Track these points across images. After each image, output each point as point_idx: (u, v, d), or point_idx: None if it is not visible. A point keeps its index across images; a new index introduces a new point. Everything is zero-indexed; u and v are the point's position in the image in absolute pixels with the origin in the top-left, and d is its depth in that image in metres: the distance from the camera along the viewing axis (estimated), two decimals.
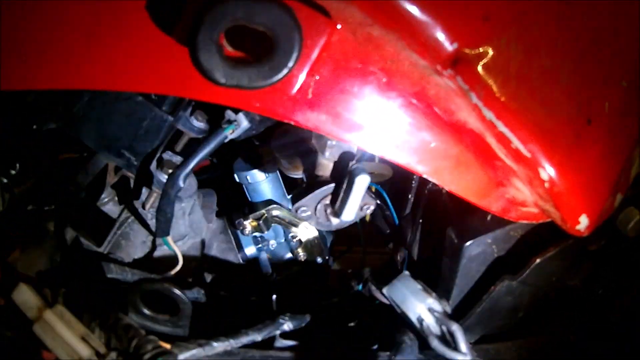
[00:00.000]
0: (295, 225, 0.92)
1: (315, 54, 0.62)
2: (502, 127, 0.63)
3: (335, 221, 0.78)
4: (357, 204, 0.73)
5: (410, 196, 0.90)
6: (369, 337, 0.81)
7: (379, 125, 0.67)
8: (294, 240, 0.95)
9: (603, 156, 0.68)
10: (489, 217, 0.80)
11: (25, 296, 0.69)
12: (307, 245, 0.95)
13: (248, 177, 0.93)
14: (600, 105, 0.67)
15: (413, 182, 0.90)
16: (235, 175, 0.94)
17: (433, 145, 0.69)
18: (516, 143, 0.63)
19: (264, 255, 0.97)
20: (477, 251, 0.79)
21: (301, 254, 0.96)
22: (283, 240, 0.98)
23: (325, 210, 0.78)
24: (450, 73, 0.63)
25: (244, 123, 0.78)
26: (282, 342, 0.76)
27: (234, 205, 0.98)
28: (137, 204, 0.87)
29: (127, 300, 0.72)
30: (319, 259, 0.96)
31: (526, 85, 0.65)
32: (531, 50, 0.66)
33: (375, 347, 0.79)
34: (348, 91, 0.66)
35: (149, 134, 0.80)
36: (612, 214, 0.77)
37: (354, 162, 0.74)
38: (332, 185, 0.76)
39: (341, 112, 0.67)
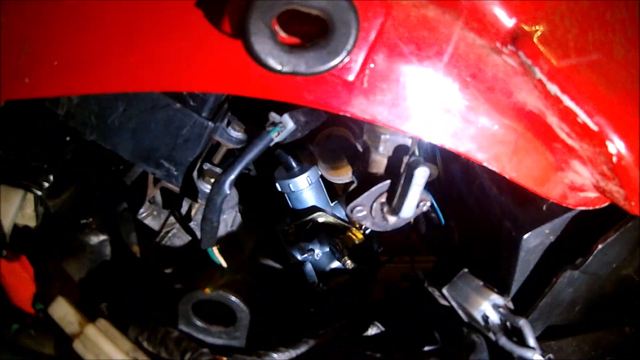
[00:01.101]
0: (343, 232, 0.89)
1: (372, 38, 0.61)
2: (567, 101, 0.61)
3: (392, 220, 0.75)
4: (417, 198, 0.70)
5: (454, 194, 0.88)
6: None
7: (436, 113, 0.65)
8: (340, 246, 0.91)
9: None
10: (544, 207, 0.77)
11: (64, 311, 0.65)
12: (355, 251, 0.92)
13: (290, 186, 0.90)
14: None
15: (458, 179, 0.88)
16: (277, 185, 0.91)
17: (492, 131, 0.66)
18: (583, 117, 0.61)
19: (309, 266, 0.93)
20: (536, 243, 0.76)
21: (348, 261, 0.92)
22: (327, 249, 0.95)
23: (382, 209, 0.75)
24: (512, 49, 0.61)
25: (289, 125, 0.76)
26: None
27: (272, 217, 0.95)
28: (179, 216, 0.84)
29: (176, 312, 0.68)
30: (366, 266, 0.93)
31: (585, 59, 0.63)
32: (584, 24, 0.64)
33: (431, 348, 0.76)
34: (404, 78, 0.63)
35: (189, 142, 0.78)
36: None
37: (409, 155, 0.72)
38: (388, 182, 0.73)
39: (397, 100, 0.64)
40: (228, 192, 0.74)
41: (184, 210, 0.85)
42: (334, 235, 0.90)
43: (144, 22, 0.65)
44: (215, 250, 0.78)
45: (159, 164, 0.79)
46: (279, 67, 0.57)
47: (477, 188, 0.85)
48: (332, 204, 0.94)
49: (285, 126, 0.75)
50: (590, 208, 0.73)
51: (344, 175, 0.89)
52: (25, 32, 0.67)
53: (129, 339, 0.64)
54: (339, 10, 0.56)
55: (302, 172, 0.90)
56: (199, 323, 0.68)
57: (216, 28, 0.63)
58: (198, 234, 0.88)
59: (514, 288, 0.77)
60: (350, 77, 0.61)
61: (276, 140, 0.76)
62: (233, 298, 0.66)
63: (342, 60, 0.57)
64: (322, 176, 0.93)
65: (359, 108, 0.64)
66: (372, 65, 0.62)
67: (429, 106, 0.64)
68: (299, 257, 0.93)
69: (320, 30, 0.57)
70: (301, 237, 0.90)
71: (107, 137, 0.78)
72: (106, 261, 0.82)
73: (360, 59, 0.61)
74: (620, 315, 0.85)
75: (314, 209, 0.91)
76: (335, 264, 0.96)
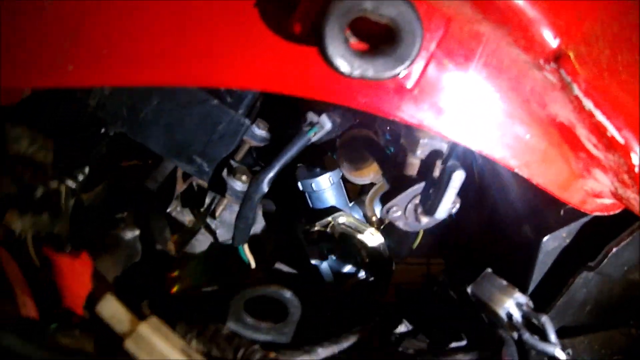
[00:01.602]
0: (362, 232, 0.94)
1: (432, 48, 0.66)
2: (600, 116, 0.69)
3: (424, 221, 0.81)
4: (452, 200, 0.76)
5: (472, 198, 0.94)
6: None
7: (477, 120, 0.71)
8: (359, 247, 0.96)
9: None
10: (562, 212, 0.86)
11: (114, 309, 0.65)
12: (373, 252, 0.97)
13: (313, 185, 0.94)
14: None
15: (477, 184, 0.94)
16: (299, 184, 0.95)
17: (525, 139, 0.73)
18: (612, 131, 0.69)
19: (326, 265, 0.98)
20: (554, 246, 0.84)
21: (366, 261, 0.97)
22: (345, 252, 0.99)
23: (415, 210, 0.80)
24: (554, 67, 0.68)
25: (327, 125, 0.80)
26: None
27: (293, 216, 0.99)
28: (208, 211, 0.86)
29: (228, 309, 0.70)
30: (384, 267, 0.98)
31: (616, 78, 0.71)
32: (615, 46, 0.73)
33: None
34: (450, 87, 0.70)
35: (224, 138, 0.80)
36: None
37: (444, 159, 0.77)
38: (423, 184, 0.79)
39: (443, 107, 0.70)
40: (266, 189, 0.78)
41: (210, 207, 0.87)
42: (353, 235, 0.95)
43: (209, 17, 0.67)
44: (246, 248, 0.81)
45: (191, 159, 0.81)
46: (348, 71, 0.61)
47: (496, 192, 0.92)
48: (350, 205, 0.99)
49: (323, 126, 0.79)
50: (605, 214, 0.82)
51: (366, 177, 0.93)
52: (76, 19, 0.67)
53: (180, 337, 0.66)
54: (407, 20, 0.61)
55: (324, 171, 0.94)
56: (249, 320, 0.70)
57: (279, 29, 0.66)
58: (220, 233, 0.90)
59: (531, 289, 0.85)
60: (409, 85, 0.66)
61: (313, 140, 0.79)
62: (288, 294, 0.69)
63: (405, 67, 0.62)
64: (342, 177, 0.97)
65: (407, 113, 0.70)
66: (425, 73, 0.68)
67: (471, 114, 0.71)
68: (319, 258, 0.96)
69: (385, 38, 0.62)
70: (323, 238, 0.94)
71: (138, 131, 0.80)
72: (143, 256, 0.83)
73: (419, 67, 0.66)
74: (627, 318, 0.93)
75: (334, 209, 0.95)
76: (351, 265, 1.01)
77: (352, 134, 0.91)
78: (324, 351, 0.71)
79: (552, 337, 0.77)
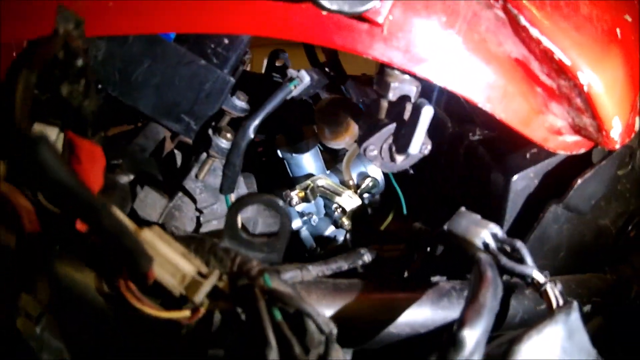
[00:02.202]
0: (340, 195, 1.02)
1: None
2: (546, 42, 0.81)
3: (399, 159, 0.90)
4: (423, 135, 0.86)
5: (444, 158, 1.04)
6: None
7: (441, 59, 0.83)
8: (338, 210, 1.03)
9: (624, 73, 0.87)
10: (527, 155, 0.96)
11: (120, 217, 0.70)
12: (351, 214, 1.04)
13: (292, 152, 1.02)
14: (614, 32, 0.87)
15: (447, 146, 1.05)
16: (279, 151, 1.03)
17: (485, 76, 0.85)
18: (559, 54, 0.81)
19: (306, 232, 1.04)
20: (523, 185, 0.94)
21: (345, 223, 1.04)
22: (324, 216, 1.06)
23: (390, 150, 0.89)
24: (502, 3, 0.81)
25: (305, 79, 0.90)
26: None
27: (272, 185, 1.06)
28: (191, 175, 0.93)
29: (225, 224, 0.75)
30: (363, 228, 1.05)
31: (558, 11, 0.84)
32: None
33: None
34: (415, 29, 0.82)
35: (211, 96, 0.90)
36: (634, 146, 0.96)
37: (414, 102, 0.88)
38: (395, 124, 0.88)
39: (410, 47, 0.82)
40: (252, 136, 0.86)
41: (196, 167, 0.95)
42: (332, 198, 1.03)
43: None
44: (232, 197, 0.88)
45: (179, 118, 0.90)
46: (328, 5, 0.72)
47: (465, 149, 1.03)
48: (327, 172, 1.08)
49: (302, 80, 0.89)
50: (569, 153, 0.93)
51: (342, 141, 1.03)
52: None
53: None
54: None
55: (302, 138, 1.03)
56: (243, 235, 0.76)
57: None
58: (204, 197, 0.97)
59: (505, 229, 0.93)
60: (380, 19, 0.77)
61: (293, 93, 0.89)
62: (280, 202, 0.75)
63: (377, 4, 0.73)
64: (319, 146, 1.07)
65: (379, 52, 0.81)
66: (390, 17, 0.79)
67: (436, 53, 0.83)
68: (299, 222, 1.04)
69: None
70: (304, 199, 1.02)
71: (129, 94, 0.89)
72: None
73: (387, 7, 0.78)
74: (600, 265, 1.02)
75: (312, 175, 1.04)
76: (332, 230, 1.08)
77: (327, 98, 1.01)
78: (314, 269, 0.77)
79: (529, 260, 0.84)
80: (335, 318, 0.79)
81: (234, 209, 0.75)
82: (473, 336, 0.64)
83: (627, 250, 1.08)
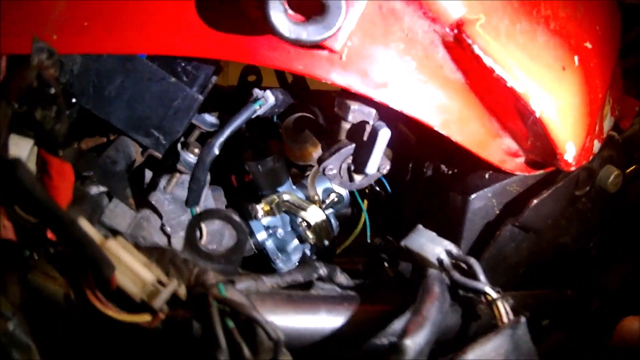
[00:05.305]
0: (304, 210, 1.18)
1: (355, 21, 0.93)
2: (499, 70, 0.95)
3: (357, 179, 1.06)
4: (380, 156, 1.02)
5: (408, 176, 1.21)
6: None
7: (398, 85, 0.99)
8: (303, 225, 1.20)
9: (579, 99, 1.02)
10: (486, 175, 1.12)
11: (86, 227, 0.85)
12: (316, 229, 1.21)
13: (259, 167, 1.18)
14: (571, 59, 1.02)
15: (410, 162, 1.21)
16: (246, 166, 1.20)
17: (441, 101, 1.01)
18: (511, 82, 0.96)
19: (271, 244, 1.21)
20: (480, 204, 1.10)
21: (310, 237, 1.20)
22: (289, 230, 1.23)
23: (349, 169, 1.05)
24: (457, 32, 0.96)
25: (270, 100, 1.07)
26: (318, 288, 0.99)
27: (240, 199, 1.23)
28: (159, 187, 1.09)
29: (185, 237, 0.91)
30: (327, 242, 1.21)
31: (513, 41, 0.99)
32: (513, 17, 1.01)
33: None
34: (374, 56, 0.97)
35: (180, 112, 1.06)
36: (594, 167, 1.12)
37: (373, 122, 1.04)
38: (354, 145, 1.04)
39: (369, 73, 0.98)
40: (217, 153, 1.02)
41: (163, 180, 1.11)
42: (297, 212, 1.19)
43: None
44: (197, 210, 1.04)
45: (149, 133, 1.06)
46: (287, 35, 0.87)
47: (427, 170, 1.18)
48: (294, 187, 1.24)
49: (267, 100, 1.05)
50: (526, 174, 1.08)
51: (308, 158, 1.19)
52: None
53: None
54: None
55: (269, 154, 1.20)
56: (202, 248, 0.92)
57: (230, 5, 0.93)
58: (172, 209, 1.13)
59: (463, 247, 1.09)
60: (338, 47, 0.93)
61: (258, 113, 1.05)
62: (238, 217, 0.90)
63: (333, 33, 0.89)
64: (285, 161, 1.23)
65: (337, 77, 0.98)
66: (349, 43, 0.95)
67: (393, 79, 0.99)
68: (265, 234, 1.20)
69: (316, 11, 0.89)
70: (269, 212, 1.18)
71: (102, 107, 1.05)
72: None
73: (344, 35, 0.93)
74: (561, 281, 1.17)
75: (279, 190, 1.20)
76: (296, 243, 1.24)
77: (293, 117, 1.17)
78: (269, 280, 0.93)
79: (481, 276, 0.98)
80: (288, 327, 0.94)
81: (194, 223, 0.91)
82: (414, 346, 0.78)
83: (588, 267, 1.23)
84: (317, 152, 1.19)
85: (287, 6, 0.89)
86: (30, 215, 0.77)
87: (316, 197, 1.25)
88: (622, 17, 1.28)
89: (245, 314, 0.82)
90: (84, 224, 0.85)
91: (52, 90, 0.76)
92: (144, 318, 0.84)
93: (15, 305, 0.87)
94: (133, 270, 0.84)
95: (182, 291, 0.86)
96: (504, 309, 0.93)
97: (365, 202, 1.31)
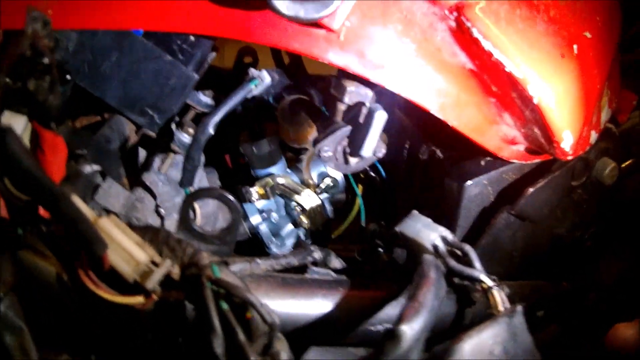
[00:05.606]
0: (299, 193, 1.18)
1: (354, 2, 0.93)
2: (497, 54, 0.96)
3: (353, 161, 1.06)
4: (376, 139, 1.02)
5: (404, 161, 1.21)
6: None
7: (396, 67, 0.99)
8: (297, 209, 1.20)
9: (577, 88, 1.03)
10: (482, 162, 1.12)
11: (79, 204, 0.85)
12: (311, 213, 1.21)
13: (254, 149, 1.18)
14: (570, 47, 1.03)
15: (405, 147, 1.21)
16: (241, 148, 1.20)
17: (438, 84, 1.01)
18: (509, 66, 0.97)
19: (265, 228, 1.21)
20: (476, 192, 1.10)
21: (304, 221, 1.21)
22: (284, 214, 1.23)
23: (344, 152, 1.05)
24: (456, 15, 0.96)
25: (266, 79, 1.07)
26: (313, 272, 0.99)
27: (235, 182, 1.23)
28: (153, 168, 1.09)
29: (179, 217, 0.91)
30: (321, 227, 1.21)
31: (512, 26, 0.99)
32: (513, 3, 1.01)
33: None
34: (372, 37, 0.98)
35: (175, 91, 1.06)
36: (590, 159, 1.13)
37: (369, 104, 1.04)
38: (350, 127, 1.05)
39: (366, 54, 0.98)
40: (212, 132, 1.02)
41: (158, 160, 1.11)
42: (291, 196, 1.19)
43: None
44: (191, 191, 1.04)
45: (143, 111, 1.06)
46: (285, 11, 0.87)
47: (423, 156, 1.19)
48: (288, 170, 1.24)
49: (263, 80, 1.05)
50: (523, 162, 1.09)
51: (303, 141, 1.19)
52: None
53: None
54: None
55: (264, 136, 1.20)
56: (196, 228, 0.92)
57: None
58: (167, 190, 1.13)
59: (459, 234, 1.09)
60: (335, 26, 0.93)
61: (254, 93, 1.05)
62: (231, 196, 0.91)
63: (332, 10, 0.89)
64: (280, 145, 1.23)
65: (335, 57, 0.98)
66: (347, 23, 0.95)
67: (390, 61, 0.99)
68: (259, 218, 1.20)
69: None
70: (263, 195, 1.18)
71: (97, 85, 1.05)
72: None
73: (343, 14, 0.93)
74: (557, 273, 1.18)
75: (273, 173, 1.20)
76: (290, 227, 1.25)
77: (289, 99, 1.17)
78: (263, 263, 0.93)
79: (477, 264, 0.98)
80: (282, 311, 0.95)
81: (188, 202, 0.91)
82: (411, 332, 0.77)
83: (584, 260, 1.24)
84: (312, 135, 1.19)
85: None
86: (22, 189, 0.76)
87: (311, 181, 1.25)
88: (622, 11, 1.29)
89: (240, 296, 0.82)
90: (77, 201, 0.85)
91: (46, 60, 0.76)
92: (137, 300, 0.84)
93: (7, 285, 0.87)
94: (126, 250, 0.83)
95: (176, 272, 0.86)
96: (499, 297, 0.93)
97: (360, 187, 1.32)
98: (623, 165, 1.28)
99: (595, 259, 1.25)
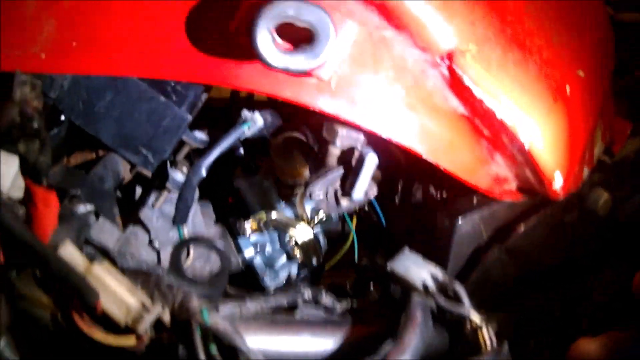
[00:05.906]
0: (293, 227, 1.21)
1: (344, 49, 0.96)
2: (489, 101, 0.98)
3: (344, 203, 1.09)
4: (367, 182, 1.05)
5: (397, 198, 1.24)
6: None
7: (387, 113, 1.02)
8: (291, 243, 1.23)
9: (569, 129, 1.05)
10: (475, 200, 1.15)
11: (71, 252, 0.88)
12: (304, 247, 1.24)
13: (248, 184, 1.22)
14: (563, 89, 1.05)
15: (400, 184, 1.24)
16: (235, 183, 1.23)
17: (430, 129, 1.03)
18: (501, 113, 0.99)
19: (259, 261, 1.24)
20: (468, 229, 1.13)
21: (298, 255, 1.24)
22: (278, 247, 1.26)
23: (336, 194, 1.08)
24: (448, 63, 0.98)
25: (259, 121, 1.09)
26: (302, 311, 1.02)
27: (229, 216, 1.26)
28: (148, 204, 1.12)
29: (170, 262, 0.94)
30: (314, 261, 1.25)
31: (504, 71, 1.02)
32: (505, 47, 1.04)
33: None
34: (363, 84, 1.00)
35: (168, 132, 1.08)
36: (583, 192, 1.15)
37: (360, 147, 1.06)
38: (342, 169, 1.07)
39: (357, 101, 1.00)
40: (204, 174, 1.05)
41: (152, 197, 1.14)
42: (285, 230, 1.23)
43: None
44: (184, 228, 1.07)
45: (137, 150, 1.08)
46: (275, 64, 0.89)
47: (416, 192, 1.21)
48: (283, 204, 1.27)
49: (256, 122, 1.08)
50: (514, 200, 1.11)
51: (297, 177, 1.22)
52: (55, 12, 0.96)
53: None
54: (322, 24, 0.90)
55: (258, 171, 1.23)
56: (187, 272, 0.95)
57: (220, 32, 0.96)
58: (160, 225, 1.16)
59: (449, 271, 1.12)
60: (326, 76, 0.95)
61: (247, 134, 1.08)
62: (221, 244, 0.94)
63: (321, 63, 0.91)
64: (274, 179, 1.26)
65: (326, 105, 1.00)
66: (338, 71, 0.97)
67: (381, 107, 1.01)
68: (252, 251, 1.23)
69: (306, 40, 0.91)
70: (257, 229, 1.21)
71: (91, 123, 1.07)
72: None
73: (333, 64, 0.95)
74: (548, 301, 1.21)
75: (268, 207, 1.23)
76: (284, 260, 1.28)
77: (283, 136, 1.20)
78: (252, 304, 0.96)
79: (466, 300, 1.01)
80: (270, 350, 0.98)
81: (177, 250, 0.94)
82: None
83: (577, 278, 1.26)
84: (305, 172, 1.22)
85: (275, 35, 0.91)
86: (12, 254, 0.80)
87: (304, 216, 1.28)
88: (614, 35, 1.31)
89: (228, 340, 0.86)
90: (69, 248, 0.89)
91: (35, 125, 0.79)
92: (129, 341, 0.88)
93: (4, 325, 0.91)
94: (118, 296, 0.87)
95: (166, 316, 0.89)
96: (487, 335, 0.97)
97: (355, 219, 1.34)
98: (617, 194, 1.30)
99: (588, 279, 1.27)
